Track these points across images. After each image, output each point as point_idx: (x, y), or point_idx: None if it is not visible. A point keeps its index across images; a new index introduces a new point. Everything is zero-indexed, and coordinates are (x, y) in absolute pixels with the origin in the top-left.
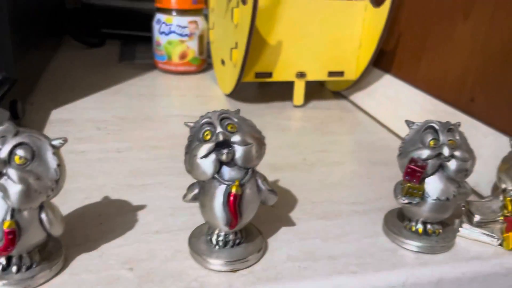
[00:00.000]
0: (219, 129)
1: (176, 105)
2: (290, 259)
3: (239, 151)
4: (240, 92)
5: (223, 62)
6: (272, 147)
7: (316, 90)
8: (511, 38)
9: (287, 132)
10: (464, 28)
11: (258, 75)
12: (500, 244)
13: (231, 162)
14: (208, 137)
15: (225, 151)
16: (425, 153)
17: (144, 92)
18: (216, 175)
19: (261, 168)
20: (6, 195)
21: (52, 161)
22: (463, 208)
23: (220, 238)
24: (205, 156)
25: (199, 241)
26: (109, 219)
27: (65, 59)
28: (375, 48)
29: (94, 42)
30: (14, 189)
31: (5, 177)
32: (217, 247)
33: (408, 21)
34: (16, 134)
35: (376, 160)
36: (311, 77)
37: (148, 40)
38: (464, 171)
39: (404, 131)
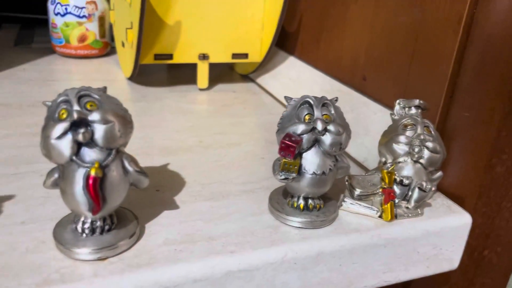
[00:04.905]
0: (75, 107)
1: None
2: (166, 243)
3: (98, 130)
4: (146, 75)
5: (123, 44)
6: (167, 131)
7: (225, 74)
8: (393, 17)
9: (187, 115)
10: (355, 8)
11: (157, 56)
12: (380, 216)
13: (91, 143)
14: (64, 116)
15: (81, 130)
16: (300, 128)
17: (36, 77)
18: (75, 158)
19: (152, 151)
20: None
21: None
22: (347, 183)
23: (86, 226)
24: (60, 136)
25: (65, 230)
26: None
27: None
28: (276, 29)
29: None
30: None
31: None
32: (84, 235)
33: (309, 2)
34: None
35: (274, 140)
36: (214, 59)
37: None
38: (338, 145)
39: None
